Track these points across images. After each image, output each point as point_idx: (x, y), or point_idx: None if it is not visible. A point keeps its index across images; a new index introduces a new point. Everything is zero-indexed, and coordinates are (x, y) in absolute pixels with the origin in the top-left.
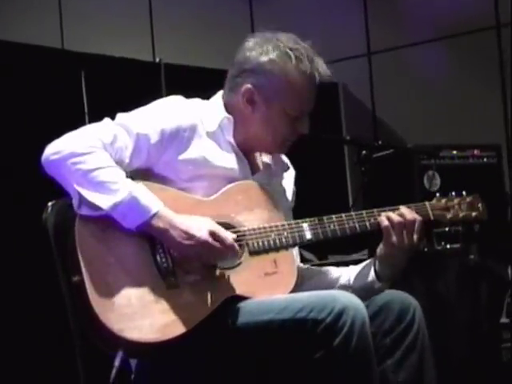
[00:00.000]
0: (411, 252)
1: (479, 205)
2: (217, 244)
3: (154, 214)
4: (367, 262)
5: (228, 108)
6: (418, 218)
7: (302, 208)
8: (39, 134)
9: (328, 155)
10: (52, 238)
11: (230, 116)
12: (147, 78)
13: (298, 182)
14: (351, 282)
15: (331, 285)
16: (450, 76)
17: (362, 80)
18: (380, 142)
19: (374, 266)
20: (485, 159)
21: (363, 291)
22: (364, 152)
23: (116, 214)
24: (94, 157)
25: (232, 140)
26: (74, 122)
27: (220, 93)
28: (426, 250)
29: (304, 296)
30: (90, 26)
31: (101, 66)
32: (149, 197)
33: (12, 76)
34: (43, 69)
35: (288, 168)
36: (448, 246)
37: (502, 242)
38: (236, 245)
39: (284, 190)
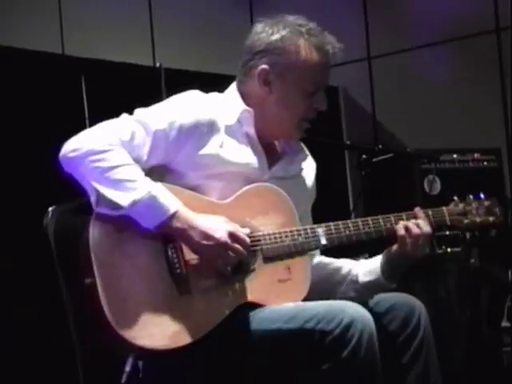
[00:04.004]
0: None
1: (496, 209)
2: (235, 245)
3: (173, 214)
4: (375, 259)
5: (245, 97)
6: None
7: None
8: (40, 138)
9: (328, 159)
10: (53, 244)
11: (249, 108)
12: (147, 82)
13: None
14: (359, 278)
15: (340, 281)
16: (450, 80)
17: (362, 84)
18: (380, 147)
19: (381, 265)
20: (485, 163)
21: (369, 287)
22: (364, 156)
23: (134, 213)
24: (112, 154)
25: (253, 131)
26: (75, 126)
27: (234, 84)
28: None
29: (312, 306)
30: (90, 32)
31: (101, 71)
32: (168, 196)
33: (13, 81)
34: (44, 74)
35: (306, 156)
36: (448, 250)
37: (503, 245)
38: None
39: (303, 182)
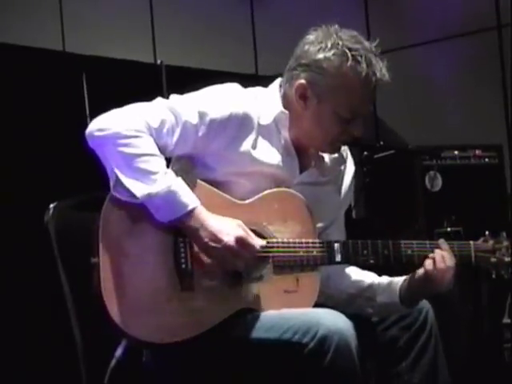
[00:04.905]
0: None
1: None
2: (242, 251)
3: (189, 212)
4: (396, 280)
5: (284, 100)
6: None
7: None
8: (41, 136)
9: None
10: (54, 241)
11: (285, 111)
12: (148, 79)
13: None
14: (377, 297)
15: (357, 293)
16: (451, 76)
17: None
18: (381, 143)
19: (401, 290)
20: (486, 159)
21: (385, 308)
22: (366, 153)
23: (150, 205)
24: (138, 142)
25: (287, 135)
26: (76, 124)
27: (278, 81)
28: None
29: (290, 316)
30: (91, 29)
31: (102, 68)
32: (187, 193)
33: (14, 78)
34: (44, 71)
35: (344, 162)
36: None
37: None
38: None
39: (336, 189)
